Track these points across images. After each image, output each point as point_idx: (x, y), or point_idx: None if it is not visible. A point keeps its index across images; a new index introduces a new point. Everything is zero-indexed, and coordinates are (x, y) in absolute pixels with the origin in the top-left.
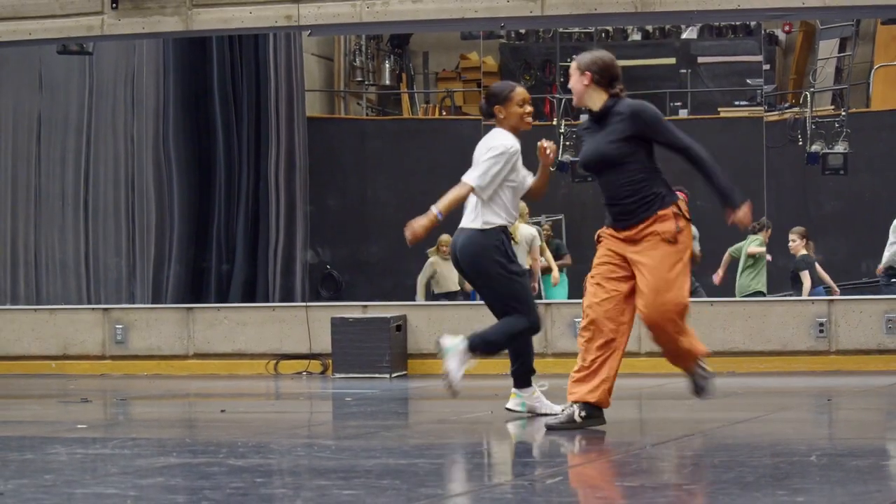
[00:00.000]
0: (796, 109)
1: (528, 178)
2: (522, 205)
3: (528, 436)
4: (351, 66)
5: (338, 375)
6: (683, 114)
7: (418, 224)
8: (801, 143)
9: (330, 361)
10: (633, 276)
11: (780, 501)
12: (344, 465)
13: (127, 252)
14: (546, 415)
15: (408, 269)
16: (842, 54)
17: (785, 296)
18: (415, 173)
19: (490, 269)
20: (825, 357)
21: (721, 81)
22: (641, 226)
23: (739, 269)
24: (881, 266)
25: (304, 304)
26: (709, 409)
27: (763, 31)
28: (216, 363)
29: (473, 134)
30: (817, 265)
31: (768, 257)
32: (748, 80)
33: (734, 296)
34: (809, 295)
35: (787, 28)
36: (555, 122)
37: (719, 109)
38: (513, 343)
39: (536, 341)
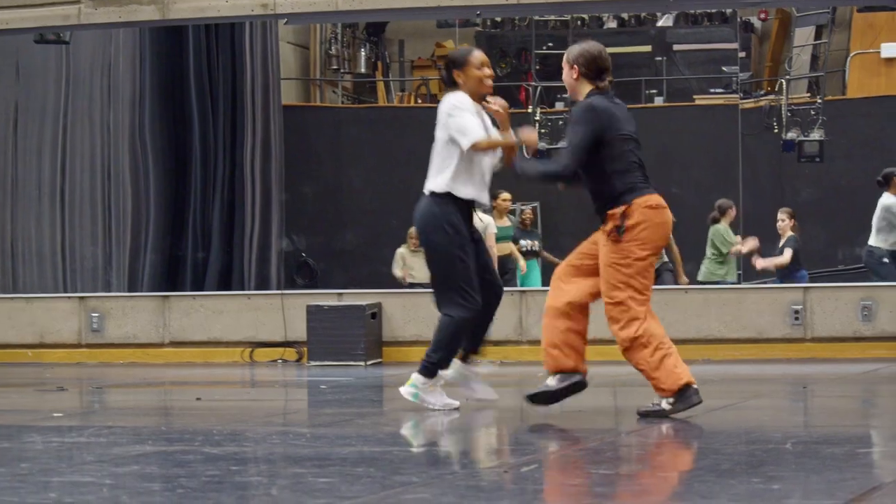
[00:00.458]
0: (772, 97)
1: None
2: (507, 195)
3: (502, 423)
4: (326, 54)
5: (313, 363)
6: (659, 101)
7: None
8: (776, 130)
9: (305, 349)
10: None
11: (755, 489)
12: (319, 453)
13: (103, 240)
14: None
15: (383, 257)
16: (818, 42)
17: (761, 283)
18: (390, 161)
19: (435, 238)
20: (801, 344)
21: (696, 69)
22: (603, 224)
23: (707, 254)
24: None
25: (279, 291)
26: None
27: (739, 19)
28: (192, 351)
29: None
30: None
31: (743, 249)
32: (724, 68)
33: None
34: (793, 280)
35: (762, 16)
36: (530, 110)
37: (695, 97)
38: (461, 340)
39: (511, 329)
